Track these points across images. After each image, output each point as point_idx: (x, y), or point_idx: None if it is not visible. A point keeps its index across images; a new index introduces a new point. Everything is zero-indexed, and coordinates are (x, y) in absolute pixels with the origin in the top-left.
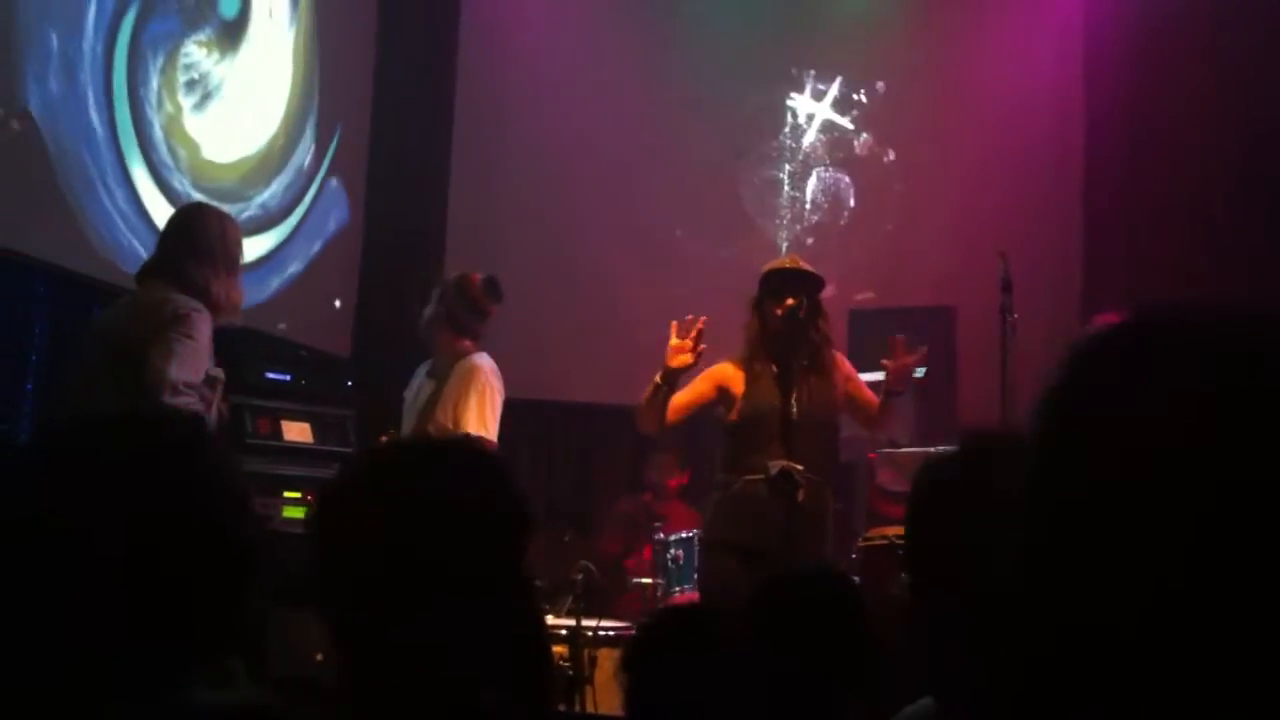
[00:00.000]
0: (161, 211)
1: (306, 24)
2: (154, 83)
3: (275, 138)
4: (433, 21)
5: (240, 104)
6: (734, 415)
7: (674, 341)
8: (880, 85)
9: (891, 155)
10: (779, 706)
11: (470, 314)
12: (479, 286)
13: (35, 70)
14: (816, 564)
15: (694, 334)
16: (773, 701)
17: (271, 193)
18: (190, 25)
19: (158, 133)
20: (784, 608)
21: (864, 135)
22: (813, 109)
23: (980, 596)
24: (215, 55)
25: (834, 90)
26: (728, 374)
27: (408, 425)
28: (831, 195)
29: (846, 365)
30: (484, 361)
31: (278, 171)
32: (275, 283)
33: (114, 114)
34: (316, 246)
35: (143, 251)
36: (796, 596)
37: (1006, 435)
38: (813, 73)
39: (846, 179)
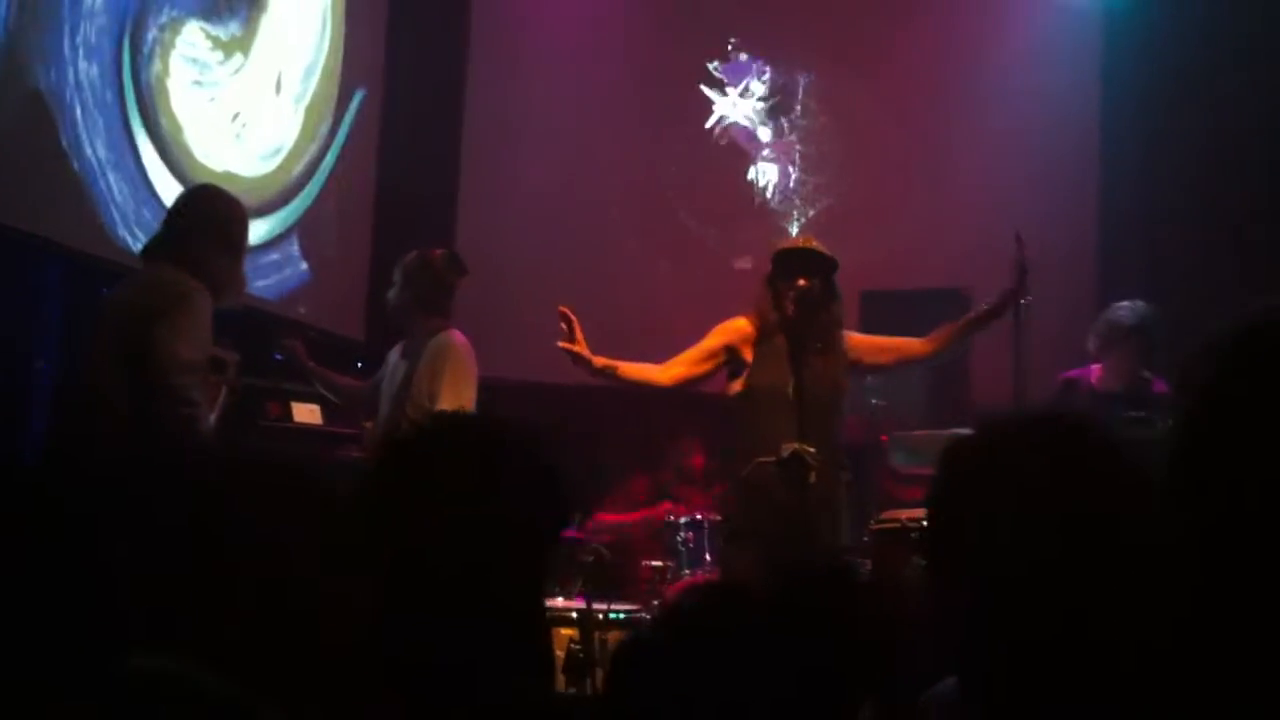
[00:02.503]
0: (171, 190)
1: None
2: (166, 60)
3: (288, 119)
4: (445, 7)
5: (254, 84)
6: (740, 385)
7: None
8: (897, 66)
9: (907, 137)
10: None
11: (437, 290)
12: (441, 262)
13: (46, 48)
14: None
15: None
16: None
17: (283, 173)
18: (204, 2)
19: (168, 111)
20: (797, 605)
21: (878, 116)
22: (826, 88)
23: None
24: (230, 32)
25: (848, 70)
26: (742, 332)
27: (383, 409)
28: (845, 176)
29: (863, 340)
30: (455, 337)
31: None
32: (285, 265)
33: (123, 91)
34: (326, 229)
35: (150, 230)
36: (809, 595)
37: (1030, 418)
38: (828, 52)
39: (860, 160)
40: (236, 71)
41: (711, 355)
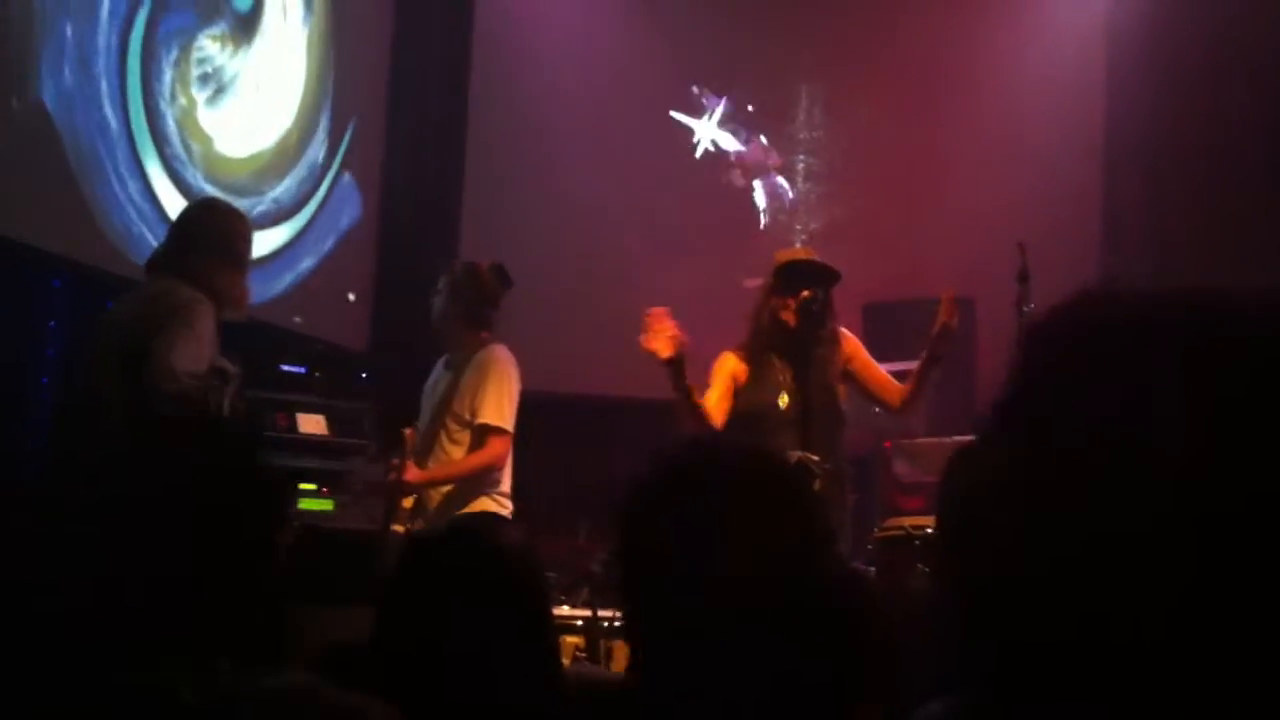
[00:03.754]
0: (175, 205)
1: (321, 19)
2: (167, 76)
3: (289, 133)
4: (447, 16)
5: (254, 98)
6: (741, 405)
7: (649, 339)
8: (899, 77)
9: (908, 148)
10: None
11: (484, 304)
12: (489, 275)
13: (50, 63)
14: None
15: (660, 325)
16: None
17: (285, 187)
18: (204, 19)
19: (171, 126)
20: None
21: (879, 127)
22: (827, 100)
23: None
24: (229, 49)
25: (849, 82)
26: (730, 366)
27: (424, 418)
28: (847, 188)
29: (851, 346)
30: (501, 352)
31: (291, 166)
32: (289, 277)
33: (128, 107)
34: (330, 241)
35: (156, 245)
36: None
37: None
38: (830, 64)
39: (861, 171)
40: (250, 49)
41: (728, 385)
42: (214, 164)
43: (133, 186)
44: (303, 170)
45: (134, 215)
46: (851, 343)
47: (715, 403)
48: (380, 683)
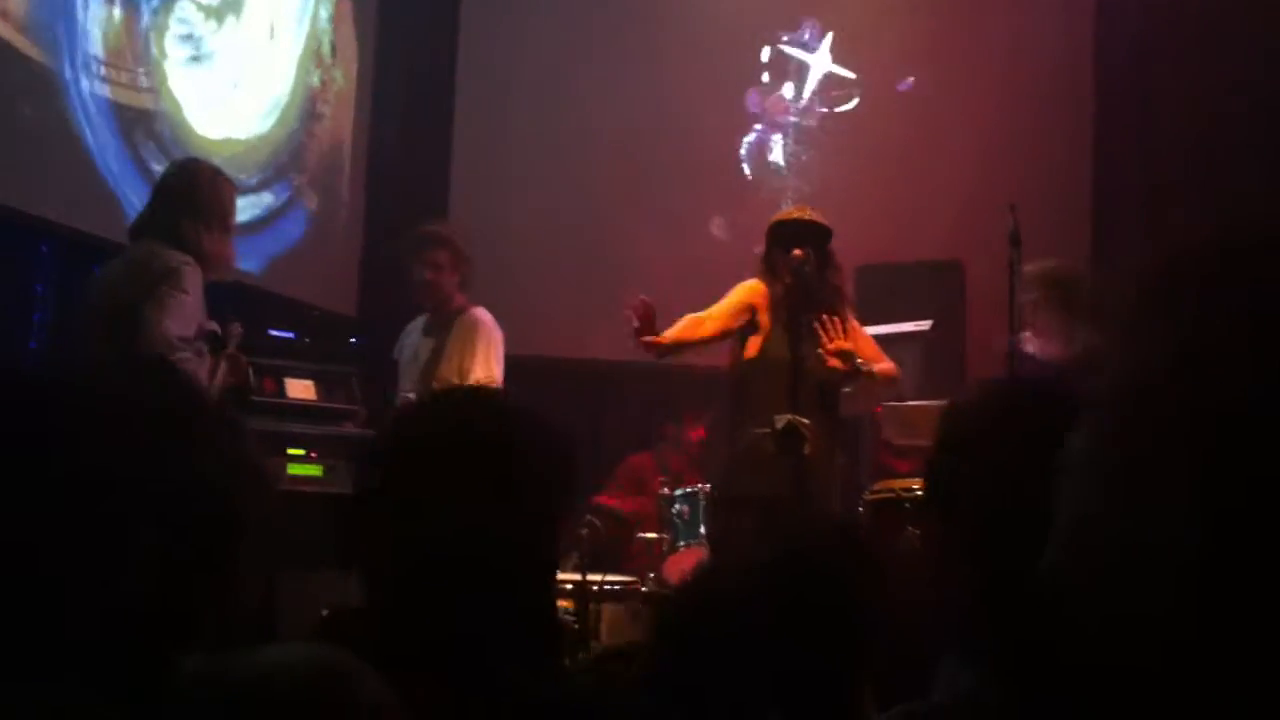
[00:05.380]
0: (161, 166)
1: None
2: (154, 50)
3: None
4: None
5: (231, 87)
6: (754, 352)
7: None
8: (890, 37)
9: (900, 108)
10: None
11: (469, 269)
12: (465, 241)
13: (36, 20)
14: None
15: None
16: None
17: (254, 183)
18: None
19: (163, 102)
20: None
21: (870, 88)
22: (815, 60)
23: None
24: (213, 23)
25: (832, 42)
26: (762, 292)
27: (406, 384)
28: (837, 149)
29: (856, 326)
30: (484, 314)
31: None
32: (277, 242)
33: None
34: (318, 205)
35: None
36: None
37: (1039, 383)
38: (816, 24)
39: (853, 132)
40: (231, 33)
41: (743, 309)
42: (183, 131)
43: (118, 148)
44: (294, 110)
45: (120, 177)
46: (855, 329)
47: (709, 317)
48: (373, 647)
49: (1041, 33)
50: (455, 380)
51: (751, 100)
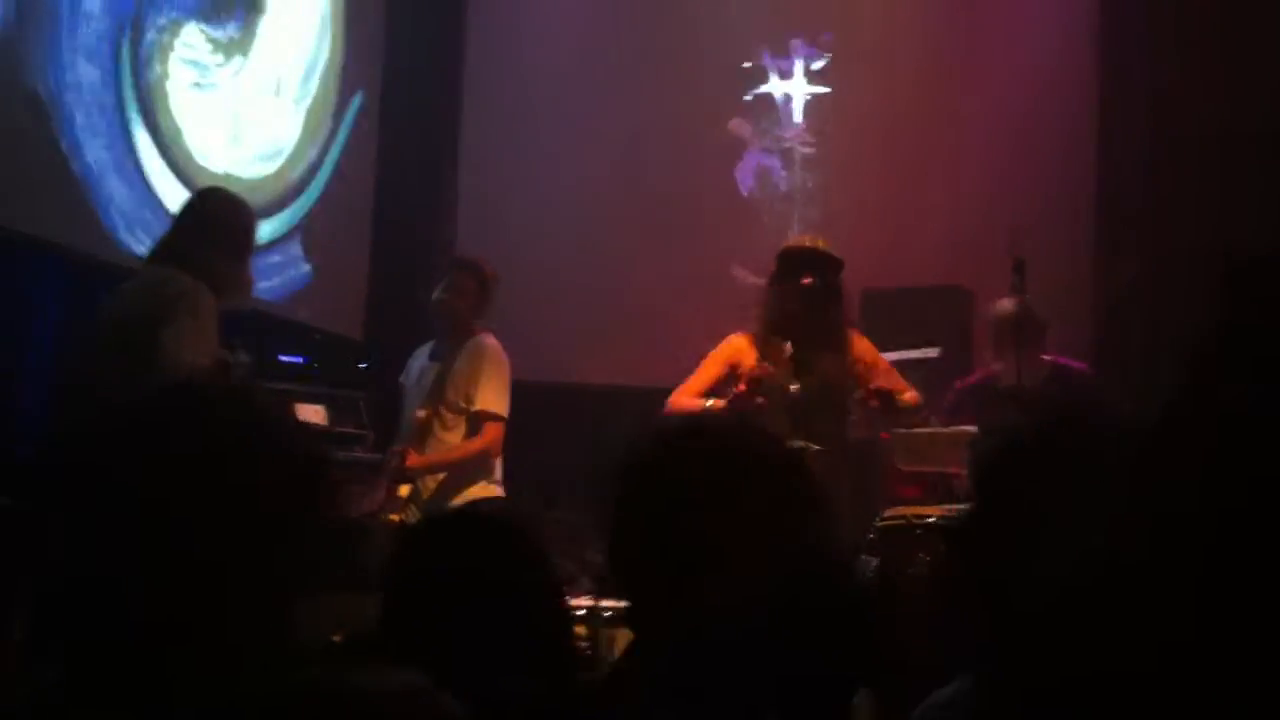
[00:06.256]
0: (169, 190)
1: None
2: (155, 69)
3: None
4: (441, 7)
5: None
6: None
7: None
8: (895, 60)
9: (905, 132)
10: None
11: (489, 305)
12: (495, 276)
13: (47, 51)
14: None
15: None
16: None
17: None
18: (202, 16)
19: (162, 120)
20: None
21: (877, 112)
22: (813, 83)
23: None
24: (220, 55)
25: (832, 62)
26: (740, 348)
27: (411, 408)
28: (844, 174)
29: (870, 352)
30: (493, 341)
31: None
32: (287, 267)
33: (123, 97)
34: (327, 231)
35: (154, 232)
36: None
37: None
38: (812, 45)
39: (858, 157)
40: (236, 74)
41: (717, 384)
42: (183, 157)
43: (128, 174)
44: (300, 160)
45: (129, 203)
46: (863, 344)
47: (691, 389)
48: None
49: (1045, 50)
50: (462, 405)
51: (738, 125)
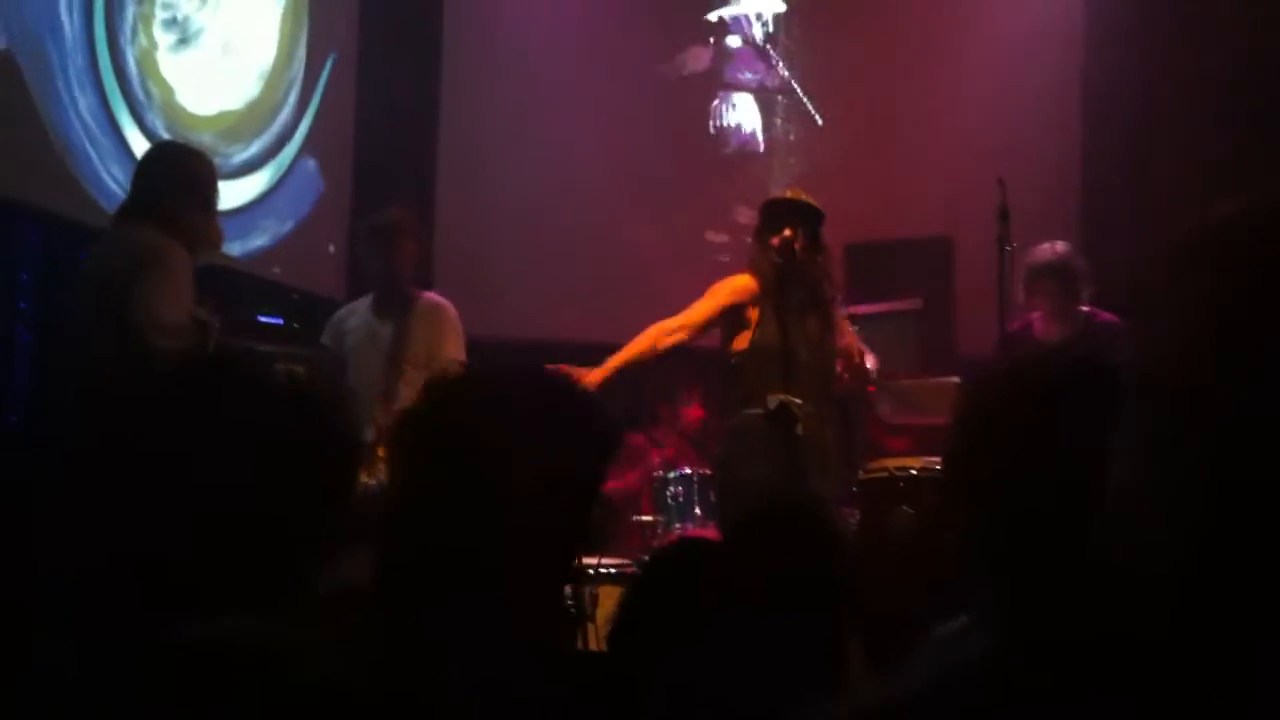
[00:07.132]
0: (140, 147)
1: None
2: (130, 12)
3: (258, 101)
4: None
5: (221, 59)
6: (743, 344)
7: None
8: (877, 13)
9: (886, 84)
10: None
11: (422, 254)
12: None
13: (13, 7)
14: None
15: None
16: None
17: (253, 152)
18: None
19: (132, 68)
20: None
21: (858, 65)
22: (805, 37)
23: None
24: (196, 2)
25: (827, 18)
26: (746, 290)
27: (365, 369)
28: (826, 127)
29: (845, 321)
30: (444, 300)
31: (259, 133)
32: (267, 226)
33: (95, 51)
34: (307, 191)
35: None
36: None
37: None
38: (807, 1)
39: (840, 109)
40: (219, 6)
41: (710, 323)
42: (175, 115)
43: (102, 133)
44: (276, 127)
45: (104, 162)
46: (843, 320)
47: (675, 329)
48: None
49: (1033, 6)
50: (424, 361)
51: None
